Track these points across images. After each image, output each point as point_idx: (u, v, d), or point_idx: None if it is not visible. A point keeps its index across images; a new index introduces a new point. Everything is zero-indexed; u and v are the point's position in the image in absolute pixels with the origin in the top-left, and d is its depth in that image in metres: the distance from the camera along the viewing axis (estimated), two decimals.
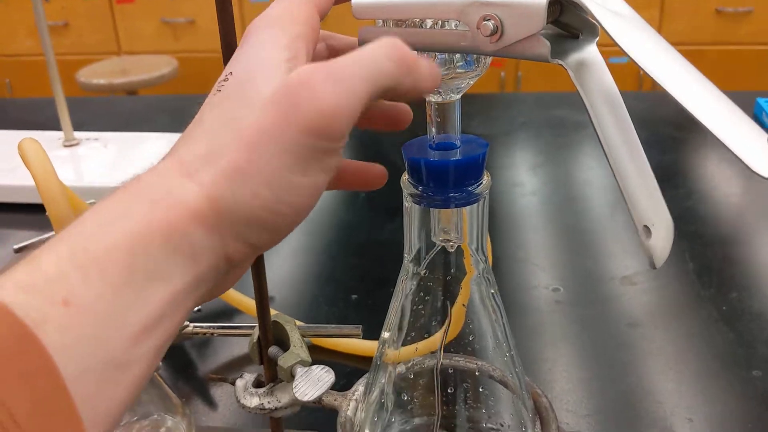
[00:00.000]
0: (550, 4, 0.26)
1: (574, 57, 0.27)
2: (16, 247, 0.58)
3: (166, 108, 1.19)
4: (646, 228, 0.27)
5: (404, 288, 0.36)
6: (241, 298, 0.57)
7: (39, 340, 0.20)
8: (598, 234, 0.72)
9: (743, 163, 0.23)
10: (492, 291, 0.36)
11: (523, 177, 0.85)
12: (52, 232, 0.54)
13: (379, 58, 0.24)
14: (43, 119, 1.06)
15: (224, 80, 0.25)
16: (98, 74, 2.22)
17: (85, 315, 0.21)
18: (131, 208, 0.23)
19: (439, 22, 0.28)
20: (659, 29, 2.28)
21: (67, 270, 0.21)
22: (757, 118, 0.95)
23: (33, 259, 0.21)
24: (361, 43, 0.30)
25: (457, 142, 0.33)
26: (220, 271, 0.24)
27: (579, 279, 0.64)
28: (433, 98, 0.32)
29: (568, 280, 0.64)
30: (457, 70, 0.31)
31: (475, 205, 0.33)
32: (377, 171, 0.33)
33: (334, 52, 0.32)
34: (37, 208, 0.82)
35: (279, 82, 0.24)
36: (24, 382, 0.19)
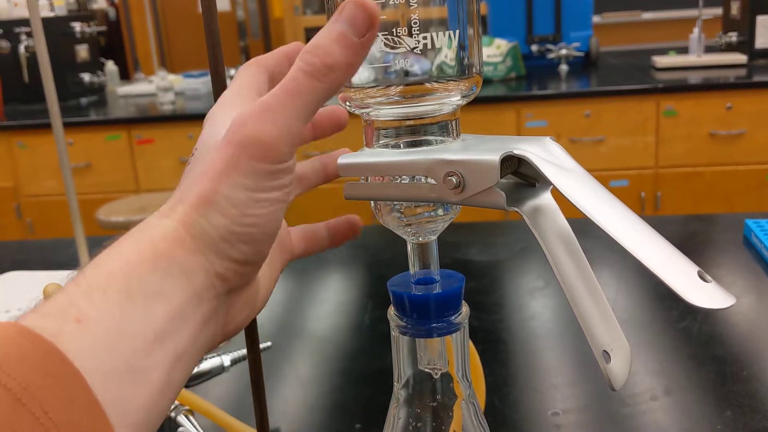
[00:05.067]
0: (507, 159, 0.31)
1: (530, 204, 0.31)
2: None
3: None
4: (605, 353, 0.30)
5: (396, 415, 0.39)
6: (245, 429, 0.59)
7: (57, 347, 0.23)
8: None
9: (678, 295, 0.26)
10: (479, 414, 0.39)
11: (521, 301, 0.88)
12: None
13: (299, 80, 0.27)
14: (64, 259, 1.12)
15: (191, 156, 0.31)
16: (117, 212, 2.30)
17: (96, 328, 0.24)
18: (121, 247, 0.27)
19: (412, 177, 0.33)
20: (656, 153, 2.36)
21: (75, 298, 0.25)
22: (747, 239, 0.99)
23: (47, 300, 0.25)
24: (347, 197, 0.34)
25: (437, 277, 0.36)
26: (218, 291, 0.28)
27: (581, 403, 0.66)
28: (413, 239, 0.36)
29: (568, 405, 0.65)
30: (438, 213, 0.35)
31: (457, 333, 0.36)
32: (354, 219, 0.41)
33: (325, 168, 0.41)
34: None
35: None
36: (50, 382, 0.22)
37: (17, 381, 0.22)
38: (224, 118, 0.30)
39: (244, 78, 0.34)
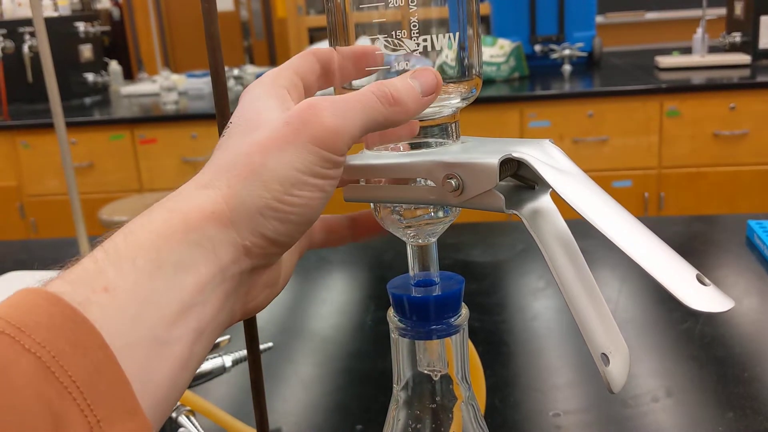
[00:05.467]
0: (506, 162, 0.31)
1: (529, 206, 0.31)
2: None
3: None
4: (604, 356, 0.30)
5: (395, 417, 0.39)
6: (247, 430, 0.59)
7: (86, 318, 0.23)
8: None
9: (677, 299, 0.26)
10: (478, 416, 0.39)
11: (523, 302, 0.88)
12: None
13: (369, 97, 0.30)
14: (66, 258, 1.12)
15: (226, 128, 0.31)
16: (119, 212, 2.30)
17: (123, 298, 0.24)
18: (153, 216, 0.27)
19: (412, 180, 0.33)
20: (659, 153, 2.36)
21: (104, 266, 0.25)
22: (750, 240, 0.99)
23: (76, 263, 0.26)
24: (347, 199, 0.35)
25: (436, 279, 0.36)
26: (242, 267, 0.28)
27: (582, 404, 0.66)
28: (413, 241, 0.36)
29: (569, 405, 0.65)
30: (437, 215, 0.35)
31: (456, 335, 0.36)
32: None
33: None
34: None
35: (285, 112, 0.29)
36: (79, 352, 0.22)
37: (47, 349, 0.22)
38: (262, 95, 0.31)
39: (295, 62, 0.34)
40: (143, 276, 0.25)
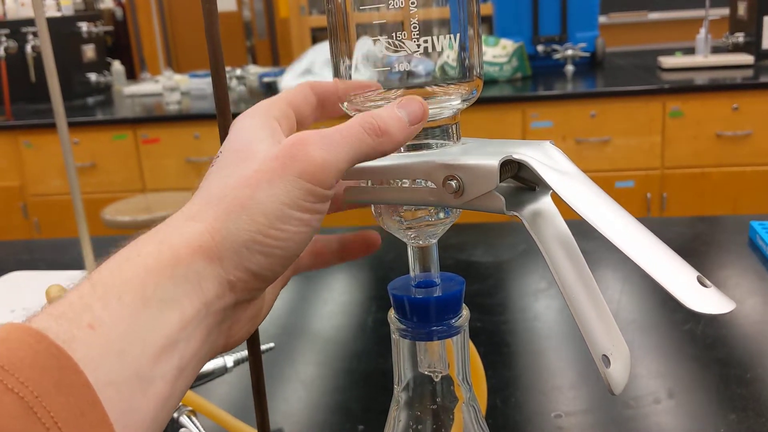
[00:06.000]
0: (507, 163, 0.31)
1: (530, 208, 0.31)
2: None
3: None
4: (605, 357, 0.30)
5: (396, 418, 0.39)
6: (248, 430, 0.59)
7: (70, 356, 0.23)
8: None
9: (678, 300, 0.26)
10: (479, 418, 0.39)
11: (525, 302, 0.88)
12: None
13: (356, 129, 0.30)
14: (69, 259, 1.12)
15: (216, 158, 0.31)
16: (122, 212, 2.31)
17: (108, 335, 0.24)
18: (142, 248, 0.27)
19: (412, 181, 0.33)
20: (662, 154, 2.35)
21: (90, 302, 0.25)
22: (752, 241, 0.99)
23: (62, 298, 0.25)
24: (348, 201, 0.35)
25: (437, 280, 0.36)
26: (226, 302, 0.28)
27: (584, 405, 0.66)
28: (414, 243, 0.36)
29: (571, 407, 0.65)
30: (438, 217, 0.35)
31: (457, 336, 0.36)
32: (373, 236, 0.39)
33: None
34: None
35: (276, 146, 0.30)
36: (62, 392, 0.22)
37: (30, 389, 0.22)
38: (252, 126, 0.31)
39: (289, 93, 0.35)
40: (129, 312, 0.25)
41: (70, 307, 0.25)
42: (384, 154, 0.31)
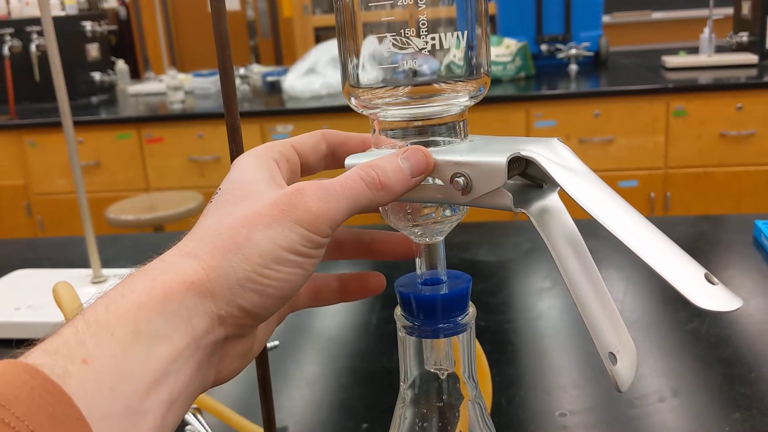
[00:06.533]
0: (515, 160, 0.31)
1: (537, 205, 0.31)
2: None
3: None
4: (612, 355, 0.30)
5: (402, 415, 0.39)
6: (253, 427, 0.59)
7: (65, 391, 0.24)
8: None
9: (685, 297, 0.26)
10: (485, 415, 0.39)
11: (529, 301, 0.88)
12: None
13: (356, 182, 0.30)
14: (73, 257, 1.12)
15: (214, 195, 0.32)
16: (126, 210, 2.31)
17: (101, 370, 0.25)
18: (136, 285, 0.27)
19: None
20: (666, 153, 2.35)
21: (84, 338, 0.25)
22: (757, 240, 0.98)
23: (56, 333, 0.26)
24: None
25: (444, 278, 0.36)
26: (216, 337, 0.29)
27: (588, 404, 0.66)
28: (421, 240, 0.36)
29: (575, 405, 0.65)
30: (445, 214, 0.35)
31: (464, 334, 0.37)
32: (377, 279, 0.39)
33: None
34: None
35: (274, 188, 0.30)
36: (56, 426, 0.23)
37: (26, 423, 0.23)
38: (252, 165, 0.32)
39: (298, 138, 0.36)
40: (121, 347, 0.26)
41: (65, 343, 0.25)
42: (381, 205, 0.32)
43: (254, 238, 0.28)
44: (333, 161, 0.37)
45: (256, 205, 0.30)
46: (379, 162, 0.31)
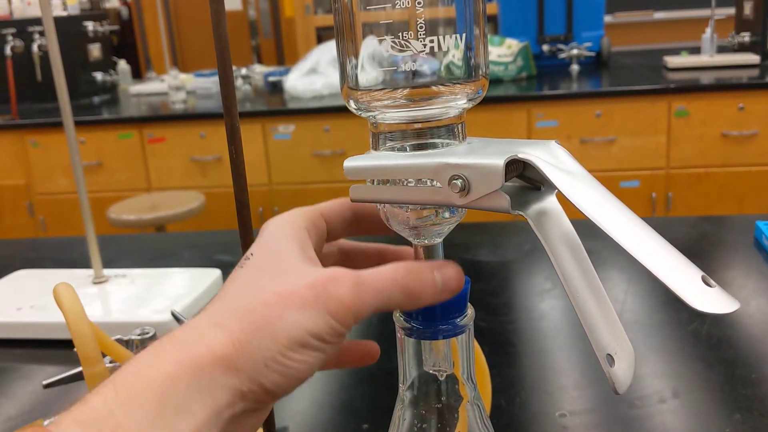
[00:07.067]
0: (512, 163, 0.31)
1: (535, 208, 0.31)
2: (45, 382, 0.61)
3: (190, 244, 1.25)
4: (609, 357, 0.30)
5: (401, 416, 0.39)
6: None
7: None
8: None
9: (682, 300, 0.26)
10: (484, 416, 0.39)
11: (530, 302, 0.88)
12: (80, 368, 0.58)
13: (392, 286, 0.31)
14: (75, 257, 1.12)
15: (245, 259, 0.32)
16: (128, 210, 2.32)
17: None
18: (165, 352, 0.28)
19: (418, 180, 0.33)
20: (667, 154, 2.35)
21: (113, 408, 0.26)
22: (758, 241, 0.98)
23: (85, 401, 0.27)
24: (353, 200, 0.35)
25: None
26: (235, 411, 0.29)
27: (589, 405, 0.66)
28: (419, 242, 0.36)
29: (576, 406, 0.65)
30: (444, 216, 0.35)
31: (462, 335, 0.37)
32: (371, 348, 0.40)
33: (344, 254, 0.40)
34: (65, 345, 0.85)
35: (306, 264, 0.31)
36: None
37: None
38: (283, 236, 0.33)
39: (325, 205, 0.37)
40: (148, 419, 0.26)
41: (95, 413, 0.26)
42: (405, 309, 0.33)
43: (285, 318, 0.29)
44: (357, 229, 0.38)
45: (290, 283, 0.30)
46: (418, 271, 0.32)
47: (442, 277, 0.32)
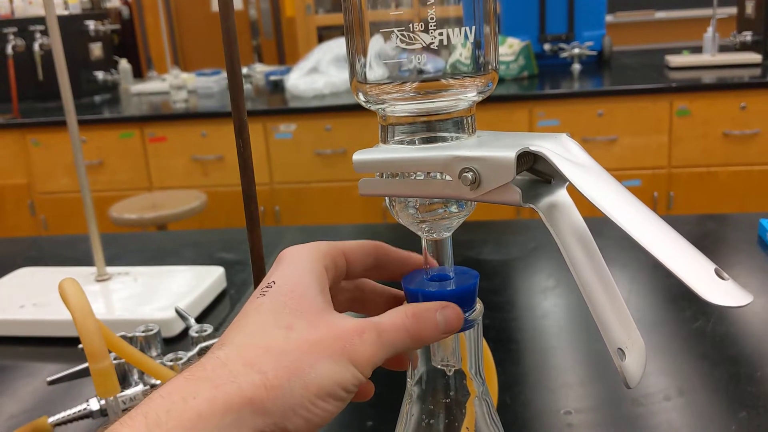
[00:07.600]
0: (523, 156, 0.31)
1: (546, 200, 0.31)
2: (49, 379, 0.61)
3: (192, 242, 1.25)
4: (620, 350, 0.30)
5: (409, 411, 0.39)
6: None
7: None
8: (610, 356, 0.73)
9: (695, 292, 0.26)
10: (492, 412, 0.39)
11: (534, 300, 0.88)
12: (84, 365, 0.58)
13: (403, 334, 0.33)
14: (77, 255, 1.12)
15: (267, 287, 0.33)
16: (129, 209, 2.31)
17: None
18: (199, 391, 0.29)
19: (427, 174, 0.33)
20: (669, 153, 2.35)
21: None
22: (761, 239, 0.98)
23: (116, 428, 0.28)
24: (362, 194, 0.34)
25: (451, 274, 0.36)
26: None
27: (593, 402, 0.66)
28: (428, 236, 0.36)
29: (580, 403, 0.65)
30: (451, 210, 0.35)
31: (471, 330, 0.36)
32: (369, 388, 0.41)
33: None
34: (69, 342, 0.85)
35: (333, 314, 0.32)
36: None
37: None
38: (303, 269, 0.34)
39: (350, 245, 0.37)
40: None
41: None
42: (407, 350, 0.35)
43: (318, 368, 0.30)
44: (376, 274, 0.39)
45: (321, 332, 0.31)
46: (424, 315, 0.33)
47: (445, 318, 0.34)
